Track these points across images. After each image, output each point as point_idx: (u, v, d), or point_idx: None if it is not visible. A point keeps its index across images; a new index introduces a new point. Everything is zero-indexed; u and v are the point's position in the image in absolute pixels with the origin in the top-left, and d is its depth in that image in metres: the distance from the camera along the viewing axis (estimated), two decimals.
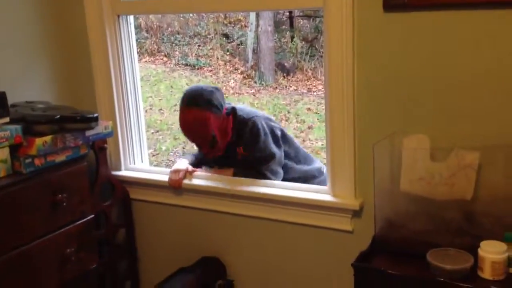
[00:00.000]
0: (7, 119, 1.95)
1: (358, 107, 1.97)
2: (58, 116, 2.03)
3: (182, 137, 6.02)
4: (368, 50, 1.91)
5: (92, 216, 2.22)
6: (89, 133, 2.15)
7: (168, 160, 5.63)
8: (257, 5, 2.25)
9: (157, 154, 5.82)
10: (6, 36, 2.27)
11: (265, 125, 2.41)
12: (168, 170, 2.48)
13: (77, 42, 2.48)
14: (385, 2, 1.83)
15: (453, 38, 1.78)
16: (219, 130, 2.33)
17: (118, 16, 2.42)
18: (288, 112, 7.02)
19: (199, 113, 2.26)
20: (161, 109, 7.04)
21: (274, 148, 2.39)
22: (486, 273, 1.57)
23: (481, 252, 1.58)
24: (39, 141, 1.95)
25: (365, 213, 2.05)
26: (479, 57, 1.75)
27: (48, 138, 1.98)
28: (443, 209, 1.76)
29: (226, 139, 2.38)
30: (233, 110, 2.40)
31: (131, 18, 2.48)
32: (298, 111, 6.93)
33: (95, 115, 2.13)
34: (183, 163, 2.44)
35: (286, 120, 6.76)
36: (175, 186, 2.38)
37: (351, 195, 2.06)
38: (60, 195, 2.03)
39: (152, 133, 6.28)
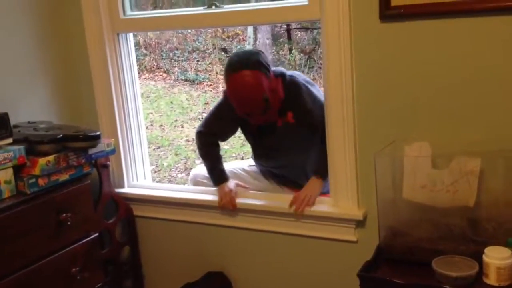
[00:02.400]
0: (10, 140, 1.96)
1: (358, 116, 1.98)
2: (61, 135, 2.04)
3: (183, 153, 6.02)
4: (366, 60, 1.93)
5: (97, 234, 2.22)
6: (91, 151, 2.16)
7: (170, 176, 5.62)
8: (254, 19, 2.27)
9: (159, 170, 5.82)
10: (7, 57, 2.29)
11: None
12: (171, 186, 2.49)
13: (78, 61, 2.51)
14: (381, 13, 1.85)
15: (449, 46, 1.79)
16: (271, 92, 2.20)
17: (118, 34, 2.44)
18: None
19: (251, 74, 2.13)
20: (161, 125, 7.05)
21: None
22: (492, 279, 1.57)
23: (485, 258, 1.58)
24: (42, 161, 1.96)
25: (368, 222, 2.05)
26: (476, 63, 1.77)
27: (51, 157, 1.99)
28: (447, 216, 1.76)
29: (278, 102, 2.26)
30: (281, 72, 2.31)
31: (130, 35, 2.50)
32: None
33: (98, 133, 2.14)
34: (230, 184, 2.35)
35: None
36: (229, 207, 2.28)
37: (354, 205, 2.06)
38: (64, 214, 2.03)
39: (154, 149, 6.29)
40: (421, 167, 1.79)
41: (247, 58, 2.18)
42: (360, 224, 2.07)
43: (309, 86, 2.33)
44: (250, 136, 2.48)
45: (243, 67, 2.14)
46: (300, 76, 2.39)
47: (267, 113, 2.22)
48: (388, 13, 1.84)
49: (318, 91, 2.37)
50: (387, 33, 1.87)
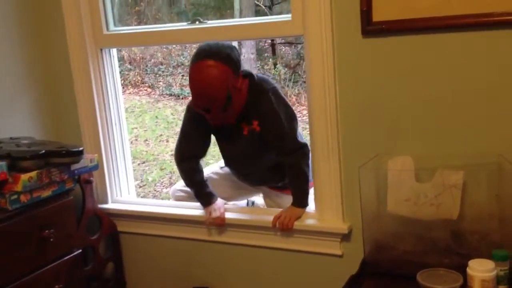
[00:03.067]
0: None
1: (342, 130, 1.99)
2: (43, 151, 2.02)
3: (168, 168, 6.00)
4: (350, 75, 1.94)
5: (80, 251, 2.20)
6: (74, 167, 2.14)
7: (155, 191, 5.59)
8: (239, 35, 2.28)
9: (144, 185, 5.79)
10: None
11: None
12: (156, 201, 2.47)
13: (60, 76, 2.49)
14: (363, 28, 1.87)
15: (431, 61, 1.82)
16: (234, 90, 2.04)
17: (101, 50, 2.44)
18: None
19: (216, 65, 1.97)
20: (146, 140, 7.02)
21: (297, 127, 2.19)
22: None
23: (469, 271, 1.58)
24: (24, 177, 1.94)
25: (354, 236, 2.05)
26: (457, 77, 1.79)
27: (33, 173, 1.97)
28: (431, 229, 1.77)
29: (240, 104, 2.11)
30: (250, 73, 2.15)
31: (114, 51, 2.50)
32: None
33: (81, 148, 2.13)
34: (220, 202, 2.31)
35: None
36: (219, 223, 2.26)
37: (339, 219, 2.06)
38: (47, 231, 2.01)
39: (138, 164, 6.26)
40: (405, 180, 1.80)
41: (217, 49, 2.01)
42: (345, 237, 2.07)
43: (278, 94, 2.18)
44: (218, 143, 2.38)
45: (210, 56, 1.98)
46: (269, 82, 2.22)
47: (226, 111, 2.07)
48: (370, 29, 1.86)
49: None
50: (370, 48, 1.89)
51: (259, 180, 2.49)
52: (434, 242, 1.77)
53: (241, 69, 2.10)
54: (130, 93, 8.56)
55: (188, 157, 2.32)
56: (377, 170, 1.86)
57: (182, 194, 2.52)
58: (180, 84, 8.68)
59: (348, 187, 2.02)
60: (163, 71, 9.02)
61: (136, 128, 7.42)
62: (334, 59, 1.94)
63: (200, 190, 2.33)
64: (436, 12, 1.76)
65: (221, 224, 2.27)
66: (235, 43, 2.19)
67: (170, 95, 8.47)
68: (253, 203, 2.72)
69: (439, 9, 1.75)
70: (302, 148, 2.17)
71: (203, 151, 2.36)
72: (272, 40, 9.25)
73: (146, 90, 8.74)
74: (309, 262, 2.16)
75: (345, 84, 1.96)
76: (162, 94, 8.53)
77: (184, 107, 2.59)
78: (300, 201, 2.17)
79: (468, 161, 1.75)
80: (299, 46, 8.95)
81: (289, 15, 2.04)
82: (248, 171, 2.42)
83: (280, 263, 2.22)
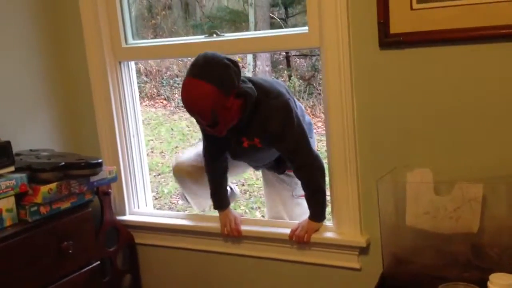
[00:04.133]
0: (12, 168, 1.97)
1: (360, 143, 1.99)
2: (63, 163, 2.05)
3: None
4: (367, 87, 1.94)
5: (98, 262, 2.21)
6: (93, 179, 2.16)
7: (170, 203, 5.61)
8: (255, 47, 2.29)
9: (160, 197, 5.81)
10: (10, 86, 2.31)
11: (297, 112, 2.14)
12: (173, 213, 2.48)
13: (80, 89, 2.52)
14: (380, 40, 1.87)
15: (449, 72, 1.81)
16: (222, 109, 2.00)
17: (120, 63, 2.47)
18: None
19: (204, 87, 1.95)
20: (162, 152, 7.06)
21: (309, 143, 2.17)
22: None
23: (490, 285, 1.56)
24: (44, 188, 1.96)
25: (372, 249, 2.04)
26: (475, 89, 1.78)
27: (53, 185, 1.99)
28: (450, 242, 1.75)
29: (230, 121, 2.06)
30: (247, 92, 2.05)
31: (132, 64, 2.53)
32: None
33: (99, 160, 2.15)
34: (234, 211, 2.34)
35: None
36: (235, 234, 2.27)
37: (357, 232, 2.05)
38: (66, 243, 2.03)
39: (154, 176, 6.29)
40: (424, 193, 1.79)
41: (209, 69, 1.98)
42: (363, 251, 2.06)
43: (289, 109, 2.11)
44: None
45: (200, 76, 1.96)
46: (282, 95, 2.13)
47: (215, 126, 2.04)
48: (387, 41, 1.86)
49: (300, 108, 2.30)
50: (387, 61, 1.89)
51: (263, 167, 2.47)
52: (453, 256, 1.75)
53: (237, 86, 2.01)
54: (146, 105, 8.62)
55: (219, 156, 2.29)
56: (396, 183, 1.85)
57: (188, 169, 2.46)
58: None
59: (366, 200, 2.01)
60: (178, 84, 9.08)
61: (152, 140, 7.46)
62: (351, 71, 1.95)
63: (220, 190, 2.33)
64: (453, 24, 1.76)
65: (237, 236, 2.27)
66: (250, 56, 2.19)
67: None
68: (231, 189, 2.62)
69: (456, 21, 1.75)
70: (316, 160, 2.16)
71: (227, 149, 2.30)
72: (287, 53, 9.27)
73: (162, 102, 8.80)
74: (327, 275, 2.14)
75: (362, 97, 1.95)
76: (177, 106, 8.58)
77: None
78: (318, 216, 2.16)
79: (488, 173, 1.73)
80: (314, 58, 8.96)
81: (306, 28, 2.05)
82: (252, 164, 2.43)
83: (297, 276, 2.21)
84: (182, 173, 2.45)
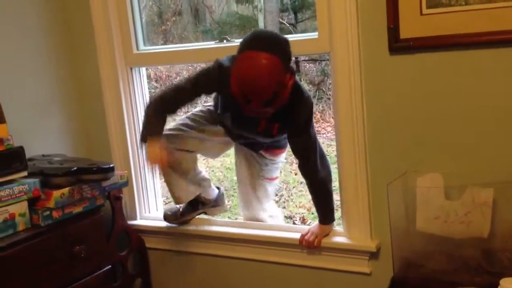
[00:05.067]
0: (25, 173, 1.99)
1: (370, 147, 1.99)
2: (75, 168, 2.07)
3: None
4: (377, 92, 1.95)
5: (109, 266, 2.22)
6: (105, 183, 2.18)
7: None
8: None
9: (169, 202, 5.82)
10: (23, 92, 2.33)
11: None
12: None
13: (92, 95, 2.55)
14: (390, 45, 1.87)
15: (458, 77, 1.81)
16: (282, 86, 1.89)
17: (131, 68, 2.49)
18: None
19: (272, 59, 1.82)
20: None
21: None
22: None
23: None
24: (56, 193, 1.98)
25: (382, 254, 2.04)
26: (485, 94, 1.78)
27: (65, 190, 2.01)
28: (461, 247, 1.75)
29: (282, 102, 1.93)
30: (294, 71, 1.96)
31: (143, 69, 2.55)
32: None
33: (111, 165, 2.17)
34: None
35: (297, 163, 6.76)
36: (158, 162, 2.08)
37: (367, 237, 2.05)
38: (78, 247, 2.05)
39: (164, 181, 6.32)
40: (434, 198, 1.79)
41: (274, 41, 1.88)
42: (373, 256, 2.06)
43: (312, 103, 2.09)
44: (225, 110, 2.16)
45: (265, 48, 1.84)
46: (305, 89, 2.10)
47: (267, 107, 1.91)
48: (397, 46, 1.86)
49: None
50: (396, 66, 1.89)
51: (252, 148, 2.33)
52: (464, 260, 1.74)
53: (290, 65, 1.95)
54: None
55: (165, 115, 2.14)
56: (406, 188, 1.85)
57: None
58: (205, 101, 8.72)
59: (376, 204, 2.01)
60: None
61: None
62: (361, 76, 1.95)
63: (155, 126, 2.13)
64: (463, 29, 1.76)
65: (161, 165, 2.11)
66: None
67: None
68: (219, 189, 2.51)
69: (466, 26, 1.75)
70: (325, 161, 2.14)
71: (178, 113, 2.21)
72: (296, 57, 9.26)
73: None
74: (337, 280, 2.14)
75: (372, 101, 1.96)
76: (187, 111, 8.59)
77: None
78: (328, 219, 2.16)
79: (499, 178, 1.73)
80: (323, 63, 8.95)
81: (316, 33, 2.06)
82: (247, 141, 2.27)
83: (307, 280, 2.21)
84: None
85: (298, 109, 2.02)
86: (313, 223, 2.23)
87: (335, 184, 2.21)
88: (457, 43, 1.78)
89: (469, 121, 1.82)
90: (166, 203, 5.68)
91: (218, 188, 2.51)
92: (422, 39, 1.82)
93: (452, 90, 1.83)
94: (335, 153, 2.18)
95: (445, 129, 1.86)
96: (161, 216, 2.63)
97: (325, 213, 2.16)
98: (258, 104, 1.89)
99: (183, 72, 9.24)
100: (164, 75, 9.22)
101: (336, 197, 2.18)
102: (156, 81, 9.14)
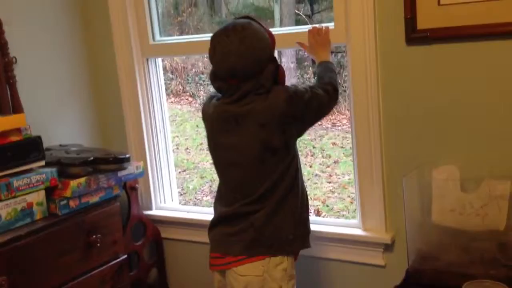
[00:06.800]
0: (42, 163, 2.02)
1: (385, 140, 1.98)
2: (92, 157, 2.09)
3: (208, 176, 6.06)
4: (393, 83, 1.93)
5: (125, 256, 2.24)
6: (121, 173, 2.19)
7: (195, 199, 5.65)
8: (280, 44, 2.29)
9: (185, 193, 5.86)
10: (40, 83, 2.36)
11: None
12: (199, 208, 2.50)
13: (108, 86, 2.57)
14: (407, 36, 1.86)
15: (476, 69, 1.79)
16: None
17: (147, 59, 2.50)
18: (313, 147, 7.01)
19: None
20: (187, 148, 7.11)
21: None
22: None
23: None
24: (73, 183, 2.00)
25: (397, 246, 2.03)
26: (502, 86, 1.77)
27: (82, 180, 2.03)
28: (477, 240, 1.74)
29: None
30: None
31: (159, 60, 2.56)
32: (323, 146, 6.91)
33: (127, 155, 2.18)
34: None
35: (312, 155, 6.75)
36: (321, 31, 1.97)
37: (382, 229, 2.05)
38: (94, 236, 2.07)
39: (179, 172, 6.34)
40: (450, 190, 1.78)
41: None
42: (388, 248, 2.05)
43: None
44: None
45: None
46: None
47: None
48: (414, 37, 1.85)
49: None
50: (414, 57, 1.88)
51: None
52: (480, 253, 1.73)
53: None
54: (172, 102, 8.68)
55: None
56: (422, 180, 1.84)
57: None
58: None
59: (392, 197, 2.01)
60: (204, 80, 9.12)
61: (178, 136, 7.52)
62: (378, 67, 1.94)
63: None
64: (480, 20, 1.74)
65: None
66: (276, 53, 2.14)
67: None
68: None
69: (483, 17, 1.74)
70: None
71: None
72: None
73: (187, 99, 8.85)
74: (351, 272, 2.15)
75: (388, 93, 1.95)
76: (203, 103, 8.61)
77: None
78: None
79: None
80: (339, 54, 8.90)
81: (332, 24, 2.05)
82: None
83: (321, 272, 2.22)
84: None
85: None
86: (328, 216, 2.22)
87: (350, 176, 2.21)
88: (475, 34, 1.76)
89: (486, 113, 1.80)
90: (182, 194, 5.73)
91: None
92: (439, 30, 1.81)
93: (469, 82, 1.81)
94: (350, 145, 2.18)
95: (463, 121, 1.84)
96: (177, 206, 2.65)
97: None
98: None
99: (198, 64, 9.27)
100: (180, 67, 9.25)
101: (351, 189, 2.18)
102: (171, 72, 9.18)
